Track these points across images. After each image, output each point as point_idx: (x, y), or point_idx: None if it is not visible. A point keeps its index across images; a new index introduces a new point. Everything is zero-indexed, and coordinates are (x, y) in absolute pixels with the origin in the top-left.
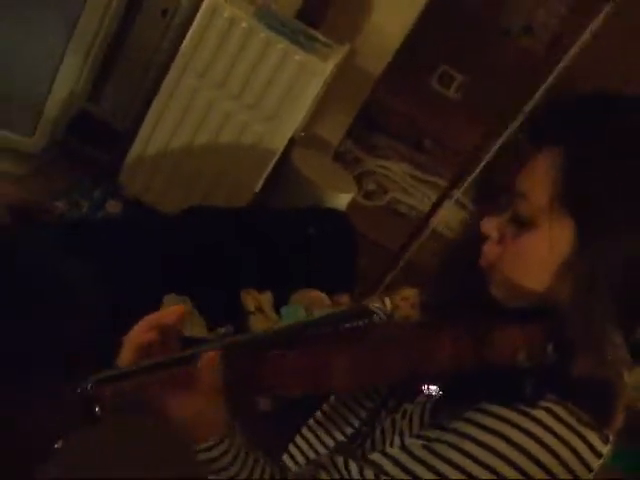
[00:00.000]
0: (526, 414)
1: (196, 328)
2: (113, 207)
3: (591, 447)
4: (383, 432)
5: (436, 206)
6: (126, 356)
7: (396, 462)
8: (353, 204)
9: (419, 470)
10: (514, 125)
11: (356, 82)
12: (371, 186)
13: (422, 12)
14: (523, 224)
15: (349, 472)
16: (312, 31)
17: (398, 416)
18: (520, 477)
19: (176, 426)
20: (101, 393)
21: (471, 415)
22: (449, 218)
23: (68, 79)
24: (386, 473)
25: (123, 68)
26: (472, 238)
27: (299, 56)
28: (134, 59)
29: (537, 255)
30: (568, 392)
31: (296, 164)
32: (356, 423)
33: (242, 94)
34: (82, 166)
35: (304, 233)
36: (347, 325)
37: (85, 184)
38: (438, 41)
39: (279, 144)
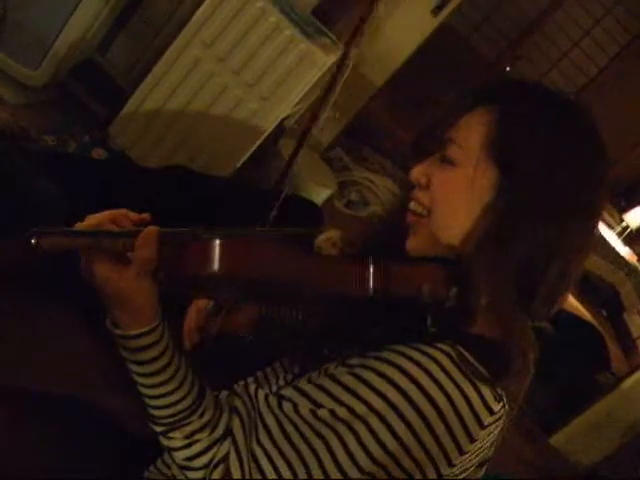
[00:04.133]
0: (424, 352)
1: None
2: (98, 154)
3: (482, 398)
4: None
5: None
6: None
7: (318, 386)
8: (333, 209)
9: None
10: None
11: (356, 89)
12: (354, 196)
13: (433, 43)
14: (449, 165)
15: (257, 399)
16: (322, 27)
17: (315, 374)
18: (412, 410)
19: (102, 300)
20: (40, 244)
21: (379, 352)
22: None
23: (82, 23)
24: (306, 394)
25: (136, 27)
26: (397, 205)
27: (304, 45)
28: (148, 21)
29: (460, 191)
30: (465, 341)
31: (282, 151)
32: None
33: (242, 71)
34: (77, 112)
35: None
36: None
37: (76, 128)
38: (447, 75)
39: (269, 124)
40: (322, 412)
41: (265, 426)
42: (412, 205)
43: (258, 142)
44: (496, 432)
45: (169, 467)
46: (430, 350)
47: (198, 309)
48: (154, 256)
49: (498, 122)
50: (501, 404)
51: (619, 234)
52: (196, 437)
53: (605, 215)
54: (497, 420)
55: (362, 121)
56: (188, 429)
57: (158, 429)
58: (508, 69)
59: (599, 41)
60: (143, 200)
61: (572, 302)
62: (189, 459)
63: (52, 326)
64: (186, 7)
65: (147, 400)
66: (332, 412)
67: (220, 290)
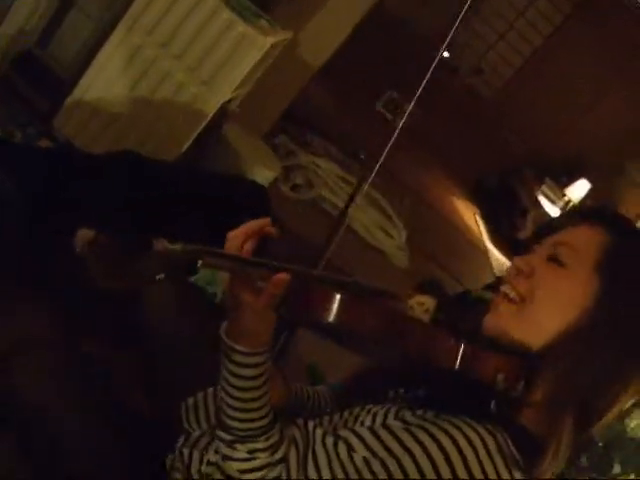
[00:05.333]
0: (477, 432)
1: None
2: (45, 145)
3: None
4: (346, 420)
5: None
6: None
7: (374, 434)
8: (278, 193)
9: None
10: None
11: (294, 72)
12: (299, 180)
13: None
14: (557, 265)
15: (314, 435)
16: (259, 10)
17: (363, 412)
18: (445, 467)
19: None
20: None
21: (437, 418)
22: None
23: (20, 16)
24: (363, 441)
25: (75, 18)
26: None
27: (242, 27)
28: (87, 11)
29: (562, 293)
30: (513, 429)
31: (226, 134)
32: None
33: (183, 56)
34: (20, 104)
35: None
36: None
37: (20, 120)
38: (390, 67)
39: (211, 108)
40: (374, 462)
41: (316, 463)
42: (505, 288)
43: (201, 126)
44: None
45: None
46: (483, 431)
47: None
48: (281, 295)
49: (611, 247)
50: None
51: (562, 209)
52: (257, 455)
53: (547, 191)
54: None
55: (304, 107)
56: (253, 446)
57: (227, 437)
58: (447, 54)
59: (533, 22)
60: (93, 185)
61: None
62: (243, 472)
63: None
64: None
65: (229, 411)
66: (383, 463)
67: (324, 329)
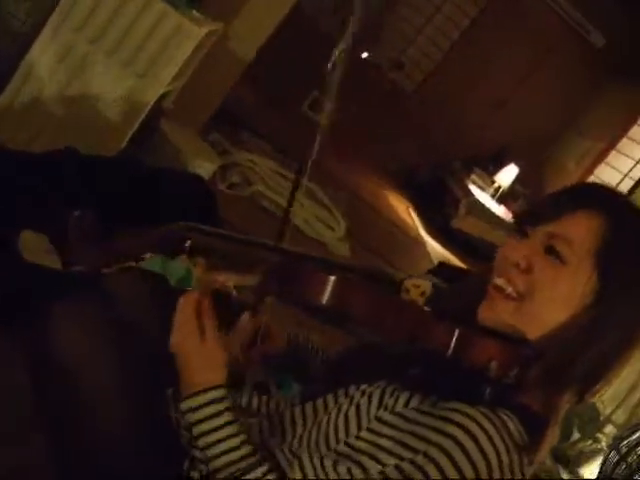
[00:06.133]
0: (484, 414)
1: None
2: None
3: (521, 463)
4: (339, 401)
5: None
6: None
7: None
8: (216, 191)
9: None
10: None
11: (226, 67)
12: (235, 178)
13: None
14: (557, 260)
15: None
16: (191, 2)
17: (358, 393)
18: (468, 464)
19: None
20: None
21: (440, 408)
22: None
23: None
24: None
25: (3, 20)
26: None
27: (175, 18)
28: (13, 12)
29: (563, 290)
30: (517, 412)
31: (163, 130)
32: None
33: (117, 50)
34: None
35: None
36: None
37: None
38: (314, 67)
39: (148, 101)
40: (389, 470)
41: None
42: (501, 282)
43: (139, 120)
44: None
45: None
46: (492, 415)
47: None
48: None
49: (608, 234)
50: (531, 468)
51: (492, 195)
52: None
53: (477, 179)
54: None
55: (236, 106)
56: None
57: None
58: (366, 54)
59: (450, 16)
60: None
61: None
62: None
63: None
64: None
65: (214, 462)
66: (397, 467)
67: (317, 310)
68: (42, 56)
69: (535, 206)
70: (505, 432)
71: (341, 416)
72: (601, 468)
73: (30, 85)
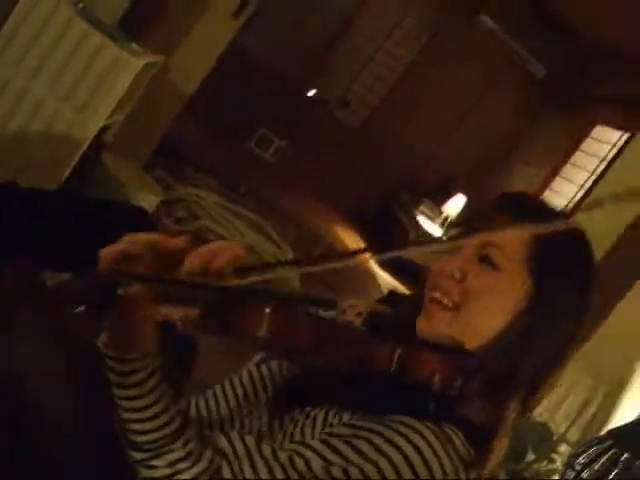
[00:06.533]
0: (429, 428)
1: None
2: None
3: (468, 478)
4: (285, 426)
5: None
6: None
7: (324, 443)
8: (162, 227)
9: (341, 455)
10: None
11: (167, 100)
12: (182, 213)
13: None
14: (491, 268)
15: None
16: (128, 35)
17: (302, 417)
18: (407, 471)
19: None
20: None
21: (386, 419)
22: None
23: None
24: (317, 452)
25: None
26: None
27: (113, 50)
28: None
29: (498, 296)
30: (462, 426)
31: (105, 163)
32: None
33: (55, 84)
34: None
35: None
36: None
37: None
38: (260, 105)
39: (88, 134)
40: (334, 469)
41: (264, 473)
42: (437, 294)
43: (79, 153)
44: None
45: None
46: (427, 428)
47: None
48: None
49: (539, 240)
50: None
51: (441, 225)
52: (179, 466)
53: (426, 210)
54: None
55: (179, 142)
56: (171, 457)
57: (140, 456)
58: (314, 92)
59: (392, 52)
60: None
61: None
62: None
63: None
64: None
65: (131, 425)
66: (345, 471)
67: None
68: None
69: (466, 218)
70: (451, 447)
71: (286, 441)
72: None
73: None
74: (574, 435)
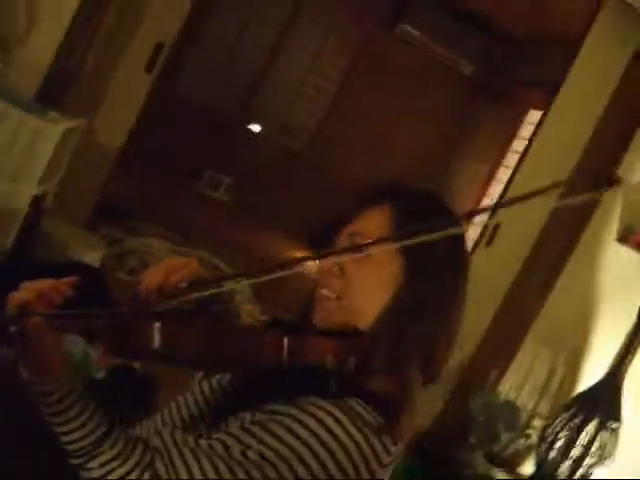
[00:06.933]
0: (334, 404)
1: None
2: None
3: (383, 444)
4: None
5: None
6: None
7: (242, 429)
8: (116, 281)
9: (251, 441)
10: None
11: (98, 158)
12: (134, 263)
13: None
14: (360, 257)
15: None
16: (45, 107)
17: (232, 418)
18: (322, 449)
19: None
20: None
21: (297, 402)
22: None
23: None
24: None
25: None
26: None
27: (33, 121)
28: None
29: (373, 279)
30: (366, 398)
31: (46, 229)
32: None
33: None
34: None
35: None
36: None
37: None
38: (201, 148)
39: (24, 203)
40: (251, 453)
41: (189, 464)
42: (323, 291)
43: (19, 221)
44: (391, 466)
45: None
46: (339, 403)
47: None
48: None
49: (399, 218)
50: (395, 446)
51: None
52: (111, 465)
53: None
54: (393, 460)
55: (121, 197)
56: (102, 458)
57: (77, 461)
58: (254, 125)
59: (322, 71)
60: None
61: None
62: None
63: None
64: None
65: (63, 437)
66: (260, 453)
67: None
68: None
69: (336, 217)
70: (355, 416)
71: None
72: (536, 461)
73: None
74: (544, 408)
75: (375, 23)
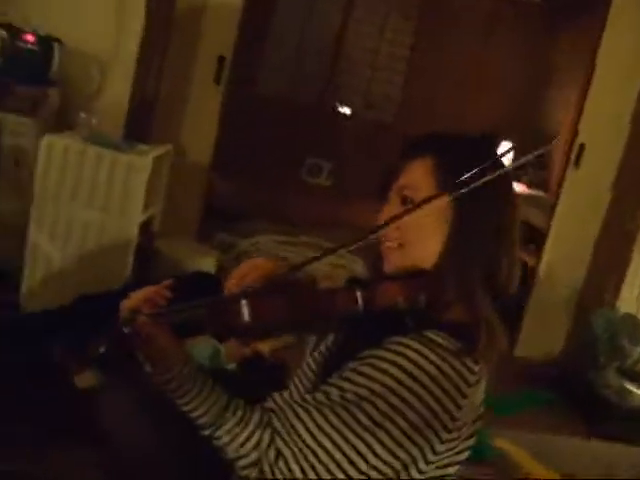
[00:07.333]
0: (413, 338)
1: None
2: None
3: (458, 367)
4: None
5: None
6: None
7: (339, 377)
8: None
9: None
10: None
11: (191, 174)
12: None
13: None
14: (411, 204)
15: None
16: (132, 142)
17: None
18: (409, 379)
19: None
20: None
21: (382, 343)
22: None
23: None
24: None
25: None
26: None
27: (123, 158)
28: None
29: (426, 224)
30: (442, 327)
31: (160, 249)
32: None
33: (91, 202)
34: None
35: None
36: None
37: None
38: (299, 137)
39: (133, 232)
40: (349, 394)
41: (302, 412)
42: (388, 244)
43: (132, 250)
44: (482, 389)
45: None
46: (412, 339)
47: None
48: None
49: (443, 167)
50: (479, 365)
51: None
52: (235, 430)
53: None
54: (479, 379)
55: (224, 203)
56: (227, 426)
57: (207, 432)
58: (339, 108)
59: (393, 40)
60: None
61: None
62: (238, 448)
63: None
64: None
65: (191, 413)
66: (356, 393)
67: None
68: (38, 229)
69: (385, 173)
70: (437, 347)
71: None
72: None
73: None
74: None
75: None
